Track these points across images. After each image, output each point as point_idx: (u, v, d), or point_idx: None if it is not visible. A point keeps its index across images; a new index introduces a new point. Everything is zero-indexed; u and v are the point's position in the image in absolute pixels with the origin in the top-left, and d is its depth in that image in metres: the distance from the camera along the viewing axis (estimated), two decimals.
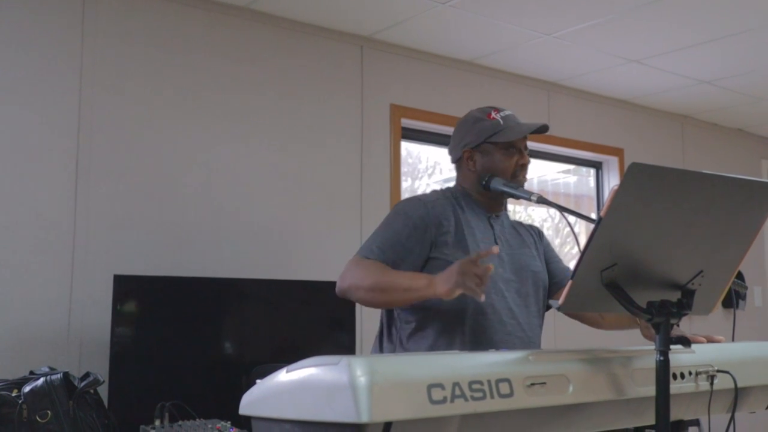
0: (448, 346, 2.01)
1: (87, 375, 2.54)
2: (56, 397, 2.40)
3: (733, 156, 5.67)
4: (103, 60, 3.07)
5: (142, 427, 2.52)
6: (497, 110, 2.17)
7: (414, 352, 2.04)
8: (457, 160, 2.22)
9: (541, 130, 2.13)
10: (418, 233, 2.03)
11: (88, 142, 3.00)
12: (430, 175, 4.32)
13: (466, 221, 2.11)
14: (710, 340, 1.73)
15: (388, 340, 2.13)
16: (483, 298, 1.71)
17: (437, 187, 2.26)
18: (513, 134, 2.11)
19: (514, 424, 1.32)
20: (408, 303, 1.99)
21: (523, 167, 2.15)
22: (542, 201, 2.02)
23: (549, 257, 2.28)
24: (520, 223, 2.30)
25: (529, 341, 2.08)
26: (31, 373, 2.55)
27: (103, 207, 3.01)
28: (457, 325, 2.02)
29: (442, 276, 1.80)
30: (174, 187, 3.19)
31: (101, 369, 2.67)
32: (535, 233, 2.29)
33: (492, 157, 2.12)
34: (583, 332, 2.51)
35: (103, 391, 2.64)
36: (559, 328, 3.96)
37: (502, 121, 2.14)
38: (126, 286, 2.79)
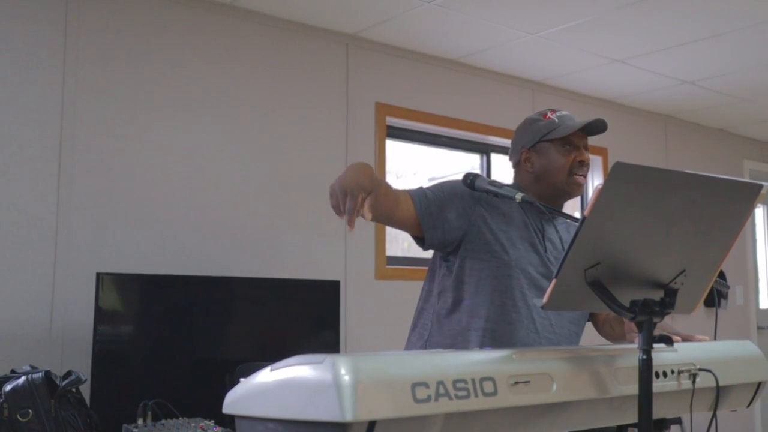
0: (478, 332, 2.02)
1: (69, 374, 2.53)
2: (37, 396, 2.39)
3: (716, 156, 5.72)
4: (86, 57, 3.05)
5: (124, 426, 2.51)
6: (553, 111, 2.19)
7: (446, 331, 2.07)
8: (516, 164, 2.22)
9: (599, 126, 2.12)
10: (465, 203, 2.05)
11: (71, 139, 2.98)
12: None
13: (515, 219, 2.11)
14: (686, 339, 1.74)
15: (420, 326, 2.16)
16: (351, 229, 1.67)
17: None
18: (567, 129, 2.11)
19: (498, 422, 1.32)
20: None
21: (582, 164, 2.13)
22: (527, 200, 2.02)
23: None
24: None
25: (558, 344, 2.07)
26: (12, 371, 2.53)
27: (86, 204, 2.99)
28: (487, 311, 2.02)
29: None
30: (157, 184, 3.18)
31: (83, 367, 2.65)
32: None
33: (549, 155, 2.12)
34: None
35: (86, 390, 2.63)
36: None
37: (557, 120, 2.14)
38: (109, 284, 2.78)
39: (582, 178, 2.15)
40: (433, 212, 2.02)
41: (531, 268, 2.07)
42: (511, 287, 2.03)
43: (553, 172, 2.12)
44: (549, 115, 2.17)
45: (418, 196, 2.03)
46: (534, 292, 2.06)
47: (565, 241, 2.18)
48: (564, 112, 2.19)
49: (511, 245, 2.06)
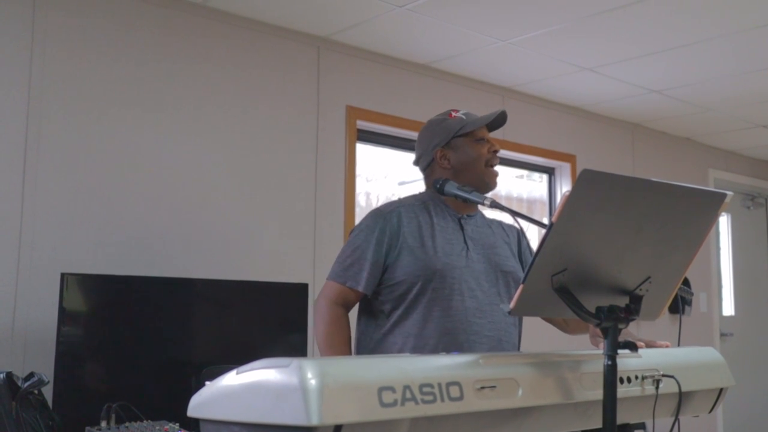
0: (419, 349, 2.07)
1: (31, 375, 2.48)
2: None
3: (681, 164, 5.80)
4: (53, 55, 3.00)
5: (87, 428, 2.48)
6: (455, 110, 2.31)
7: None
8: (428, 165, 2.30)
9: (501, 119, 2.25)
10: (377, 246, 2.14)
11: (37, 137, 2.94)
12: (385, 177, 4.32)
13: (431, 224, 2.18)
14: (650, 345, 1.76)
15: (360, 344, 2.23)
16: None
17: (400, 191, 2.34)
18: (479, 122, 2.24)
19: (464, 427, 1.33)
20: None
21: (495, 153, 2.26)
22: (495, 205, 2.05)
23: (526, 260, 2.34)
24: (498, 222, 2.37)
25: (499, 340, 2.12)
26: None
27: (51, 203, 2.95)
28: (425, 328, 2.07)
29: None
30: (124, 184, 3.14)
31: (46, 369, 2.60)
32: (514, 233, 2.37)
33: (464, 149, 2.23)
34: (546, 335, 2.53)
35: (48, 392, 2.58)
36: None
37: (464, 117, 2.27)
38: (73, 285, 2.74)
39: (496, 169, 2.27)
40: (357, 274, 2.14)
41: (456, 271, 2.12)
42: (451, 292, 2.09)
43: (471, 163, 2.22)
44: (454, 114, 2.30)
45: (339, 277, 2.16)
46: (464, 295, 2.10)
47: (514, 242, 2.29)
48: (466, 111, 2.32)
49: (434, 254, 2.12)
